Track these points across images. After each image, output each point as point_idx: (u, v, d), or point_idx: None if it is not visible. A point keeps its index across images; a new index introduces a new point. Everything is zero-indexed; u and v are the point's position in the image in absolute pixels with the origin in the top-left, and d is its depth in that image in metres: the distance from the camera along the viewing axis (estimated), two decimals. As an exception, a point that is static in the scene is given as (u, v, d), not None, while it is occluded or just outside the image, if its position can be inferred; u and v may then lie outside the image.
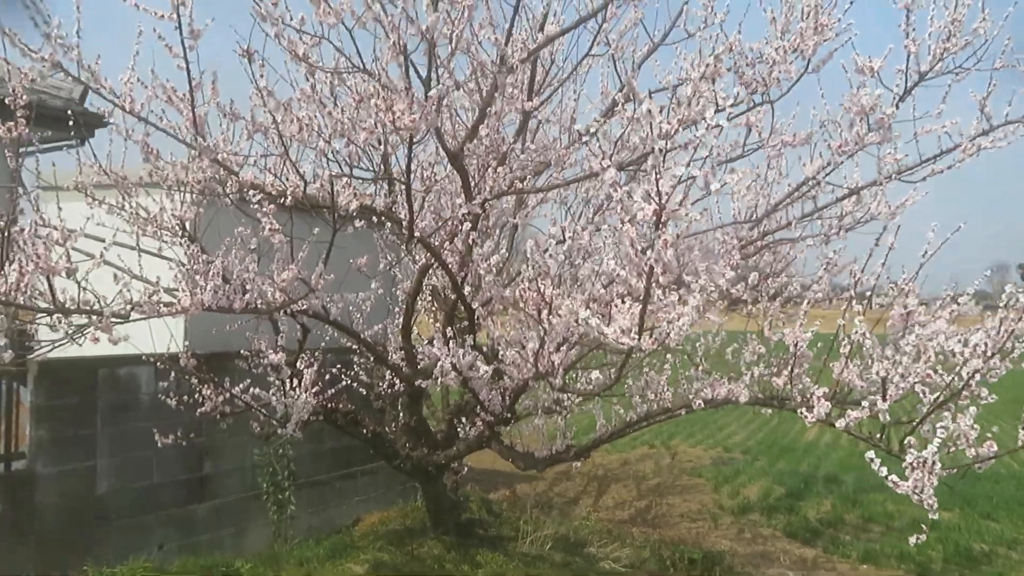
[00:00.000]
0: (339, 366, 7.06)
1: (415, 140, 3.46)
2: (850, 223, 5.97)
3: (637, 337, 2.78)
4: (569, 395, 5.59)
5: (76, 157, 5.32)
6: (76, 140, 6.06)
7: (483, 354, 5.93)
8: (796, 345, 3.91)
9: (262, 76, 3.50)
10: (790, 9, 4.02)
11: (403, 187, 3.83)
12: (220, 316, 5.25)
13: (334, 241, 4.22)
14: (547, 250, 3.25)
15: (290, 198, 3.75)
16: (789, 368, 4.00)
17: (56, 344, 4.15)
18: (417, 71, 3.27)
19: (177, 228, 5.13)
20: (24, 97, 4.12)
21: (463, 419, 6.67)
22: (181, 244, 4.91)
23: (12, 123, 4.10)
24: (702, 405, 3.83)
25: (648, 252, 2.58)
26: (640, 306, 2.77)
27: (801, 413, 3.72)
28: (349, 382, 7.38)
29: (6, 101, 4.09)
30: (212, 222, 5.28)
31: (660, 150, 2.45)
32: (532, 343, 3.31)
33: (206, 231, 5.28)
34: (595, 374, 3.16)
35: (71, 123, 4.64)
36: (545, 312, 3.24)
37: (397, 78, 3.18)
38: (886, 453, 3.56)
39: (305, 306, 4.41)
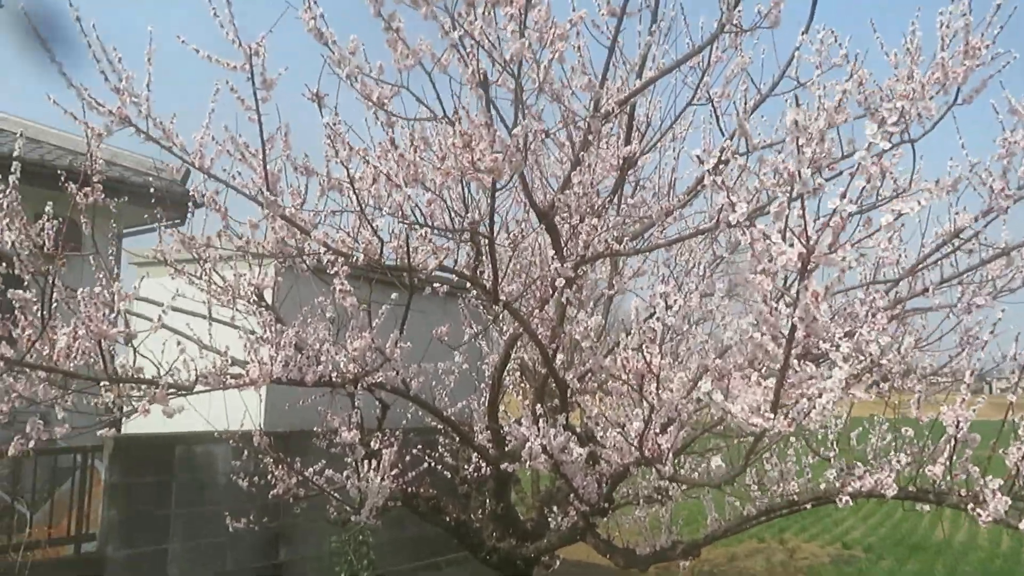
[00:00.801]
0: (421, 447, 6.62)
1: (498, 187, 3.07)
2: (994, 290, 5.24)
3: (772, 416, 2.22)
4: (676, 484, 4.94)
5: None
6: (176, 219, 6.04)
7: (577, 435, 5.38)
8: (958, 426, 3.22)
9: (335, 123, 3.20)
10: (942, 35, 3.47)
11: (486, 242, 3.42)
12: (297, 391, 4.95)
13: (411, 305, 3.84)
14: (654, 314, 2.75)
15: (363, 256, 3.40)
16: (948, 455, 3.31)
17: (114, 418, 3.86)
18: (498, 109, 2.91)
19: (254, 297, 4.88)
20: (99, 161, 4.00)
21: (554, 507, 6.06)
22: (256, 314, 4.64)
23: (88, 188, 3.96)
24: (848, 501, 3.16)
25: (787, 308, 2.05)
26: (776, 378, 2.22)
27: (973, 511, 3.01)
28: (432, 464, 6.92)
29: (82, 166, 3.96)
30: (291, 291, 5.03)
31: (806, 180, 1.94)
32: (636, 422, 2.78)
33: (284, 301, 5.02)
34: (716, 461, 2.60)
35: (169, 202, 4.55)
36: (652, 385, 2.71)
37: (477, 113, 2.81)
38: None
39: (381, 378, 4.00)
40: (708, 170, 3.94)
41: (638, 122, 4.83)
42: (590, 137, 3.57)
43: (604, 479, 4.66)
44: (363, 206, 3.52)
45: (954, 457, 3.31)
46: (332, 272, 3.53)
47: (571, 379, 4.96)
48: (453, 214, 3.54)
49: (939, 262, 4.74)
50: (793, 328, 2.05)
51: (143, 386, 3.44)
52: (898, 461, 3.43)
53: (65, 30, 3.28)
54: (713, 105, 4.66)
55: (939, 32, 3.55)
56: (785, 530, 13.36)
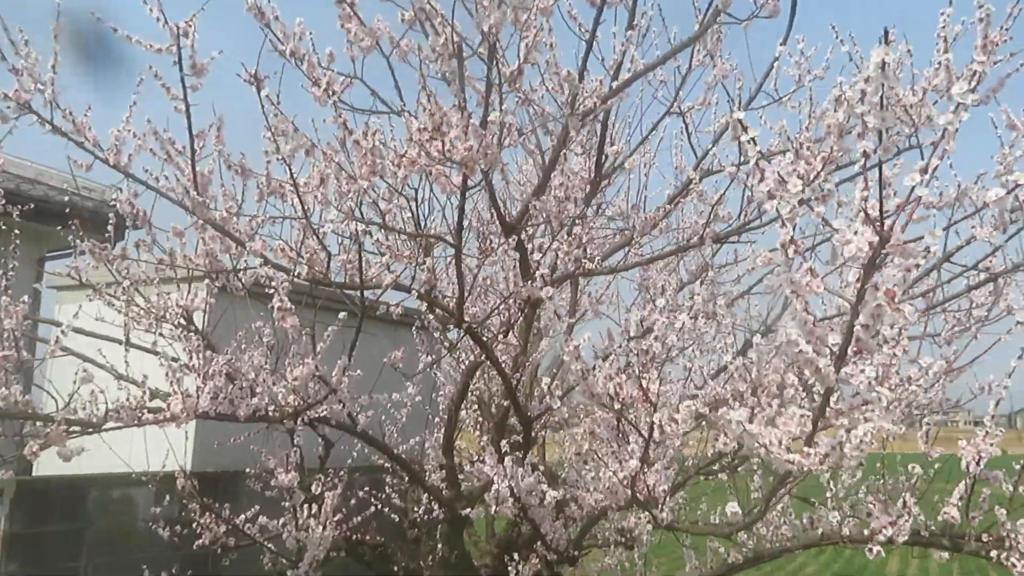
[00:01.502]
0: (368, 488, 6.07)
1: (469, 187, 2.65)
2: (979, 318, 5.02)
3: (811, 452, 1.82)
4: (649, 528, 4.51)
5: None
6: (102, 241, 5.44)
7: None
8: (978, 462, 2.89)
9: (275, 113, 2.74)
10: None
11: (451, 254, 2.98)
12: (231, 427, 4.40)
13: (363, 328, 3.36)
14: (649, 330, 2.35)
15: (306, 270, 2.93)
16: (966, 495, 2.97)
17: (14, 456, 3.27)
18: (466, 95, 2.49)
19: (181, 320, 4.33)
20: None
21: (514, 554, 5.56)
22: (182, 339, 4.09)
23: None
24: (880, 551, 2.78)
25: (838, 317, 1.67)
26: (818, 404, 1.83)
27: (1008, 561, 2.65)
28: (379, 507, 6.37)
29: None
30: (225, 314, 4.49)
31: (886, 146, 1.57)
32: (633, 460, 2.36)
33: (217, 324, 4.48)
34: (732, 507, 2.20)
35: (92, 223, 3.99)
36: (652, 416, 2.30)
37: (448, 95, 2.39)
38: None
39: (325, 412, 3.50)
40: (695, 180, 3.63)
41: (610, 133, 4.49)
42: (567, 143, 3.19)
43: (573, 524, 4.22)
44: (308, 213, 3.06)
45: (971, 497, 2.99)
46: (270, 289, 3.04)
47: (535, 413, 4.54)
48: (413, 215, 3.09)
49: (933, 289, 4.47)
50: (850, 339, 1.67)
51: (39, 423, 2.88)
52: (911, 504, 3.07)
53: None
54: (685, 120, 4.34)
55: (946, 30, 3.30)
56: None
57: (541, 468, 5.39)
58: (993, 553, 2.83)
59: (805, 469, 1.83)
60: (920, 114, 3.16)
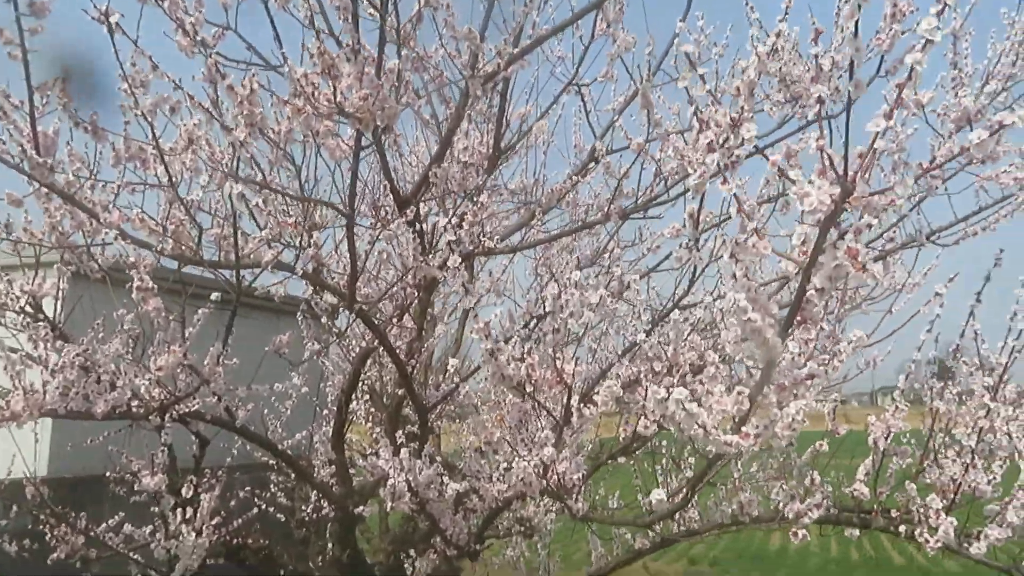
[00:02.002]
0: (251, 488, 5.65)
1: (363, 146, 2.35)
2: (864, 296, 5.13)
3: (752, 434, 1.65)
4: (552, 518, 4.35)
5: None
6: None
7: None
8: (887, 437, 2.85)
9: (133, 61, 2.35)
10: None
11: (345, 221, 2.66)
12: (95, 426, 3.92)
13: (242, 314, 3.00)
14: (565, 307, 2.14)
15: (171, 244, 2.55)
16: (873, 470, 2.94)
17: None
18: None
19: (28, 308, 3.80)
20: None
21: (411, 551, 5.28)
22: (28, 328, 3.58)
23: None
24: (804, 535, 2.67)
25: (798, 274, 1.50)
26: (759, 381, 1.66)
27: (921, 537, 2.61)
28: (263, 507, 5.95)
29: None
30: (80, 301, 3.98)
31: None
32: (547, 448, 2.14)
33: (71, 313, 3.97)
34: (657, 494, 2.02)
35: None
36: (568, 398, 2.10)
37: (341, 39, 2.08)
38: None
39: (197, 407, 3.12)
40: (601, 151, 3.45)
41: (508, 111, 4.25)
42: (467, 107, 2.94)
43: (474, 516, 4.00)
44: (174, 180, 2.68)
45: (879, 472, 2.96)
46: (130, 267, 2.64)
47: (432, 402, 4.28)
48: (298, 179, 2.74)
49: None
50: (799, 306, 1.50)
51: None
52: (818, 481, 3.01)
53: None
54: (583, 96, 4.17)
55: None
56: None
57: (439, 459, 5.14)
58: (902, 528, 2.81)
59: (742, 451, 1.67)
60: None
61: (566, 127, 4.78)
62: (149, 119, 2.46)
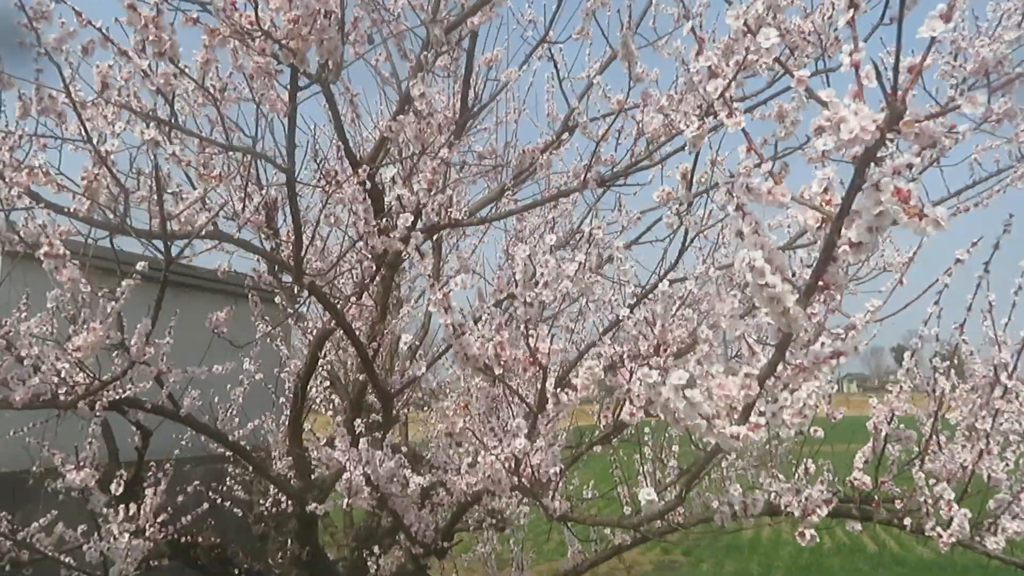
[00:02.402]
0: (204, 480, 5.30)
1: (301, 86, 2.02)
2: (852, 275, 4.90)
3: (761, 424, 1.37)
4: (525, 511, 4.07)
5: None
6: None
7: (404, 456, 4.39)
8: (889, 421, 2.60)
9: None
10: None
11: (284, 186, 2.33)
12: (21, 416, 3.56)
13: (188, 293, 2.66)
14: (539, 276, 1.84)
15: (85, 205, 2.20)
16: (874, 457, 2.69)
17: None
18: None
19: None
20: None
21: (375, 547, 4.97)
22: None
23: None
24: (813, 535, 2.40)
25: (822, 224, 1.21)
26: (773, 358, 1.37)
27: (933, 531, 2.36)
28: (219, 501, 5.59)
29: None
30: (11, 279, 3.61)
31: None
32: (519, 439, 1.85)
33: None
34: (647, 494, 1.73)
35: None
36: (542, 382, 1.81)
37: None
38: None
39: (131, 393, 2.78)
40: (579, 111, 3.15)
41: (473, 74, 3.92)
42: (431, 52, 2.61)
43: (442, 511, 3.72)
44: (91, 133, 2.33)
45: (880, 461, 2.71)
46: (42, 233, 2.29)
47: (396, 388, 3.97)
48: (222, 124, 2.40)
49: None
50: (827, 264, 1.22)
51: None
52: (813, 471, 2.75)
53: None
54: (555, 63, 3.86)
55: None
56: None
57: (404, 449, 4.84)
58: (907, 521, 2.57)
59: (749, 443, 1.40)
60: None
61: (537, 96, 4.49)
62: (55, 59, 2.12)
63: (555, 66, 3.81)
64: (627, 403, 1.98)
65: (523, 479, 2.02)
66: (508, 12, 3.96)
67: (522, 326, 1.89)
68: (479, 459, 1.85)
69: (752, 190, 1.22)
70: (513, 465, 1.99)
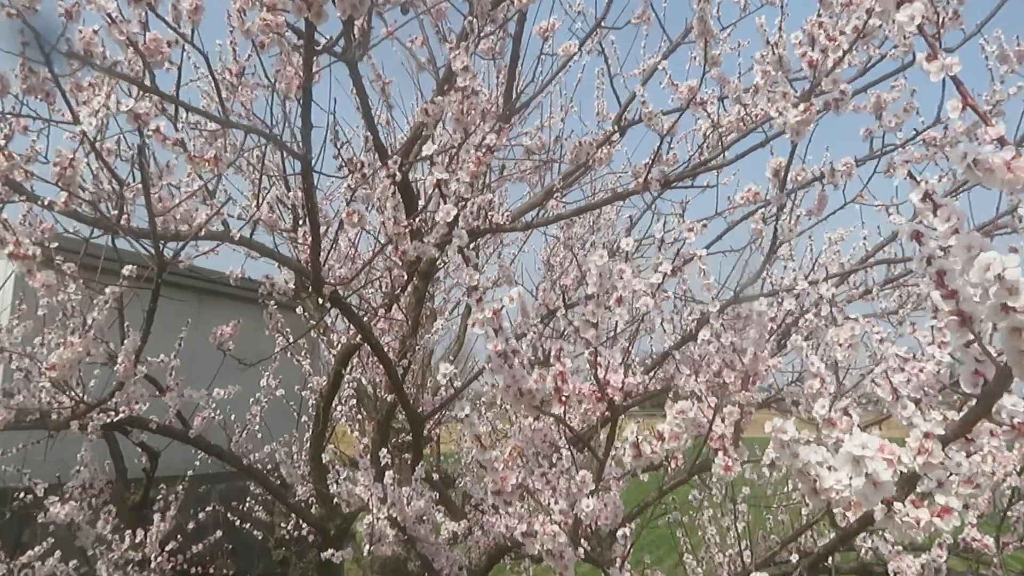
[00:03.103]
0: (219, 500, 4.97)
1: (319, 49, 1.64)
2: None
3: (946, 503, 0.95)
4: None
5: None
6: None
7: (434, 486, 4.00)
8: (1020, 471, 2.14)
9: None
10: None
11: (301, 175, 1.94)
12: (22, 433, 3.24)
13: (203, 301, 2.30)
14: (613, 287, 1.44)
15: (63, 199, 1.85)
16: (995, 510, 2.23)
17: None
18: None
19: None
20: None
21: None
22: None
23: None
24: None
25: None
26: (962, 420, 0.95)
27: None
28: (239, 522, 5.26)
29: None
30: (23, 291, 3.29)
31: None
32: (586, 499, 1.43)
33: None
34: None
35: None
36: (614, 425, 1.40)
37: None
38: None
39: (124, 414, 2.43)
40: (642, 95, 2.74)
41: (520, 61, 3.52)
42: (473, 19, 2.23)
43: (475, 550, 3.31)
44: (74, 110, 1.98)
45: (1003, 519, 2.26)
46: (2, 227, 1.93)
47: (428, 410, 3.58)
48: (217, 95, 2.01)
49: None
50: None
51: None
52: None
53: None
54: (606, 57, 3.44)
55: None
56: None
57: (436, 474, 4.44)
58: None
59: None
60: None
61: (582, 95, 4.08)
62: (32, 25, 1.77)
63: (605, 60, 3.41)
64: (719, 452, 1.57)
65: (583, 539, 1.60)
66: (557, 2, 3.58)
67: (589, 352, 1.48)
68: (536, 525, 1.44)
69: (980, 163, 0.80)
70: (573, 526, 1.58)
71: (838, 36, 1.72)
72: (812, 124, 1.81)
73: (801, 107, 1.73)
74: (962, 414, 1.00)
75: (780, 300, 2.01)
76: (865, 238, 3.65)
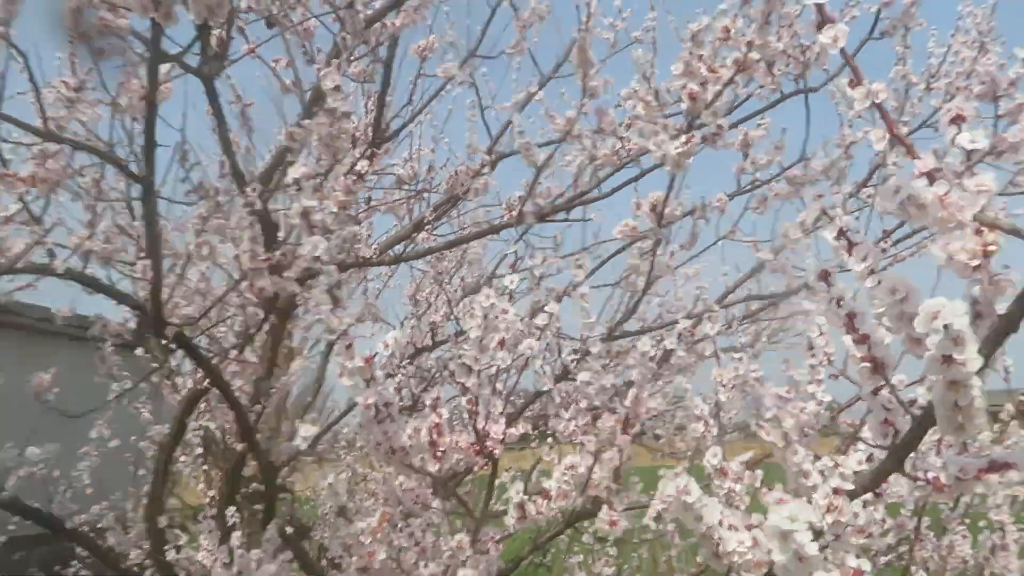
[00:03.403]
0: (42, 566, 4.40)
1: (166, 55, 1.41)
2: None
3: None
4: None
5: None
6: None
7: (288, 541, 3.67)
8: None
9: None
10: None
11: (144, 192, 1.68)
12: None
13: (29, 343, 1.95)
14: (493, 328, 1.31)
15: None
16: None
17: None
18: None
19: None
20: None
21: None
22: None
23: None
24: None
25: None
26: (874, 473, 0.88)
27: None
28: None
29: None
30: None
31: None
32: (466, 570, 1.26)
33: None
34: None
35: None
36: (492, 476, 1.26)
37: None
38: None
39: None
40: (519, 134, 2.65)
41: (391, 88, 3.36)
42: (345, 35, 2.07)
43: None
44: None
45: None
46: None
47: (283, 459, 3.30)
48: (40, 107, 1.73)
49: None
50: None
51: None
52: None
53: None
54: (477, 89, 3.36)
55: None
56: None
57: (289, 527, 4.10)
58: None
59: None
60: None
61: (453, 128, 4.00)
62: None
63: (477, 92, 3.32)
64: (604, 506, 1.46)
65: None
66: (429, 29, 3.47)
67: (468, 401, 1.34)
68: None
69: (913, 199, 0.73)
70: (446, 595, 1.41)
71: (718, 69, 1.70)
72: (691, 157, 1.78)
73: (683, 139, 1.69)
74: (874, 467, 0.93)
75: (660, 338, 1.95)
76: (725, 274, 3.73)
